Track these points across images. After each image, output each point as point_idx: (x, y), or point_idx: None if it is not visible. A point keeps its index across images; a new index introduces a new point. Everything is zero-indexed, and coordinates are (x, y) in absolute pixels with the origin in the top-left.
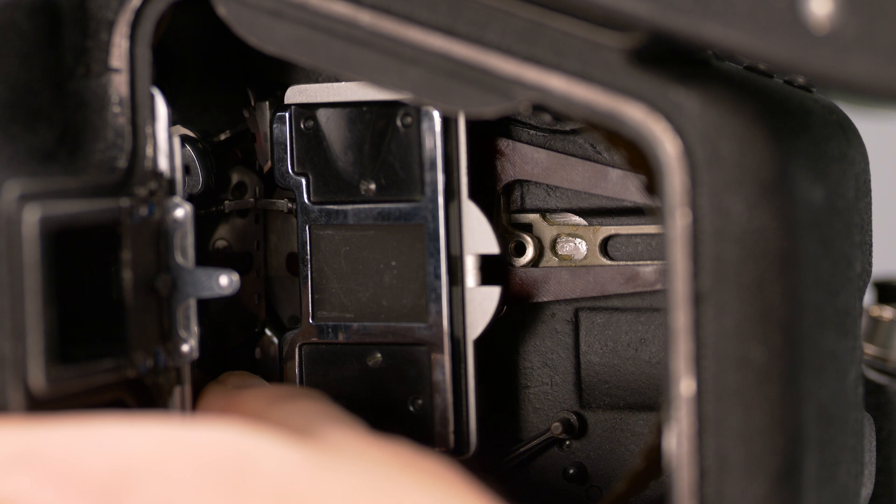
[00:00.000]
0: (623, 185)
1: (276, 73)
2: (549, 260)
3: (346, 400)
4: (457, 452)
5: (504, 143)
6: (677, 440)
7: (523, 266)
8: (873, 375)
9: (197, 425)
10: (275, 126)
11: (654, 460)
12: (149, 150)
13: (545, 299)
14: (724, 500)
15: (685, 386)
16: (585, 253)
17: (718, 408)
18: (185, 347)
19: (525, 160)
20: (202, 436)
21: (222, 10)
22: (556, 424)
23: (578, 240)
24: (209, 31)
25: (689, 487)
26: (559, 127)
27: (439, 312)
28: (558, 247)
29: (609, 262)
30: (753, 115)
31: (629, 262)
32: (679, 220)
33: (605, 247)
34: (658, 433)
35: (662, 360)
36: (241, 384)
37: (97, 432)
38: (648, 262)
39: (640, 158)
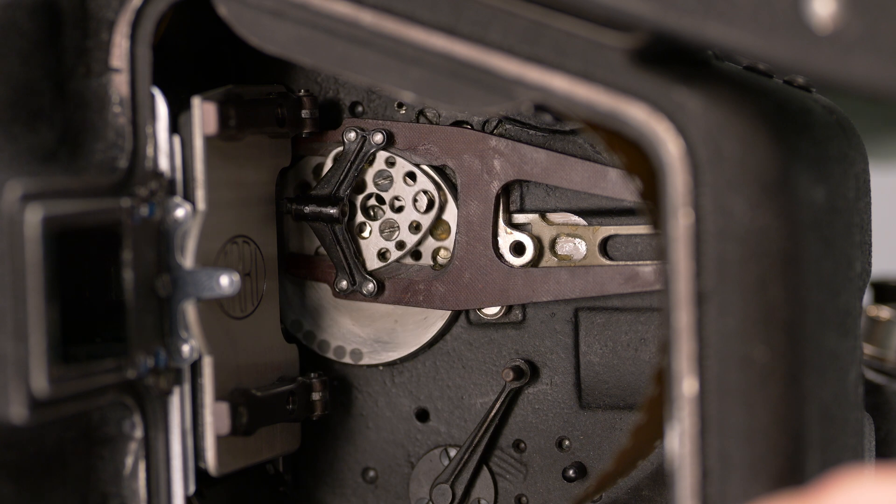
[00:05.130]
0: (622, 185)
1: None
2: (549, 260)
3: None
4: None
5: (503, 143)
6: (680, 440)
7: (522, 266)
8: (871, 375)
9: None
10: None
11: (642, 439)
12: (149, 150)
13: (545, 299)
14: (726, 500)
15: (688, 386)
16: (585, 253)
17: (721, 407)
18: (185, 348)
19: (524, 160)
20: None
21: (223, 10)
22: (506, 371)
23: (578, 240)
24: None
25: (691, 487)
26: (559, 127)
27: None
28: (558, 247)
29: (609, 263)
30: (755, 116)
31: (629, 262)
32: (682, 220)
33: (604, 247)
34: (647, 412)
35: None
36: None
37: None
38: (648, 262)
39: (638, 162)
